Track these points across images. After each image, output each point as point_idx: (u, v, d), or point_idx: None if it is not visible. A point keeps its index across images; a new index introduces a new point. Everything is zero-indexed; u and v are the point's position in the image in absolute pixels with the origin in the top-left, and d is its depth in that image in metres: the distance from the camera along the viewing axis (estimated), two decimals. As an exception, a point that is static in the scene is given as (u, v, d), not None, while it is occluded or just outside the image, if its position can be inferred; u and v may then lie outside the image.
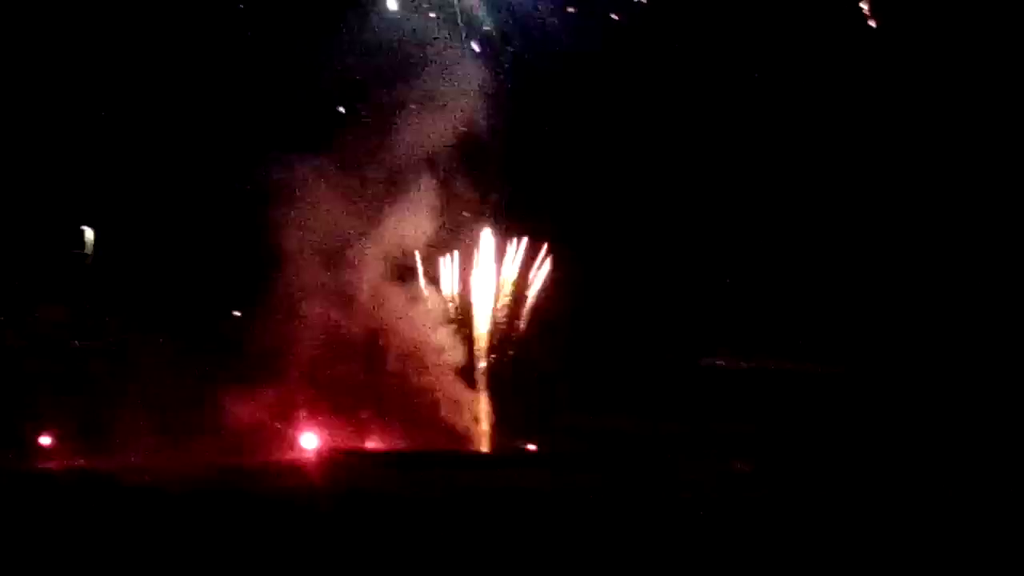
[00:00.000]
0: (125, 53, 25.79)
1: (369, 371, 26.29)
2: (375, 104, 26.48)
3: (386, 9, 26.60)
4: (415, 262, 27.59)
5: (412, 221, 26.76)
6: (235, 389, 25.27)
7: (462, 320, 27.49)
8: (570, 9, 27.47)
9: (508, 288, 27.79)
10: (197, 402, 25.11)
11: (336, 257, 26.41)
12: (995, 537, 16.89)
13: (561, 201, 28.39)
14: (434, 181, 26.73)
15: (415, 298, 27.40)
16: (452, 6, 26.95)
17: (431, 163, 26.84)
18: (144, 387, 25.12)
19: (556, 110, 27.93)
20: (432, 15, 26.87)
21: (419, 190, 26.67)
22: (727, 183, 30.00)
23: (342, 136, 26.41)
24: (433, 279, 27.62)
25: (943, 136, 29.83)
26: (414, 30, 26.64)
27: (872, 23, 28.23)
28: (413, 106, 26.40)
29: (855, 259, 31.26)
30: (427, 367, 26.56)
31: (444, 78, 26.49)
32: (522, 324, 27.81)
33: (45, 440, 22.15)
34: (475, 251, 27.69)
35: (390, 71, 26.24)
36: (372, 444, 24.82)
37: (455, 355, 27.10)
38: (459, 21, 26.86)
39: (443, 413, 26.00)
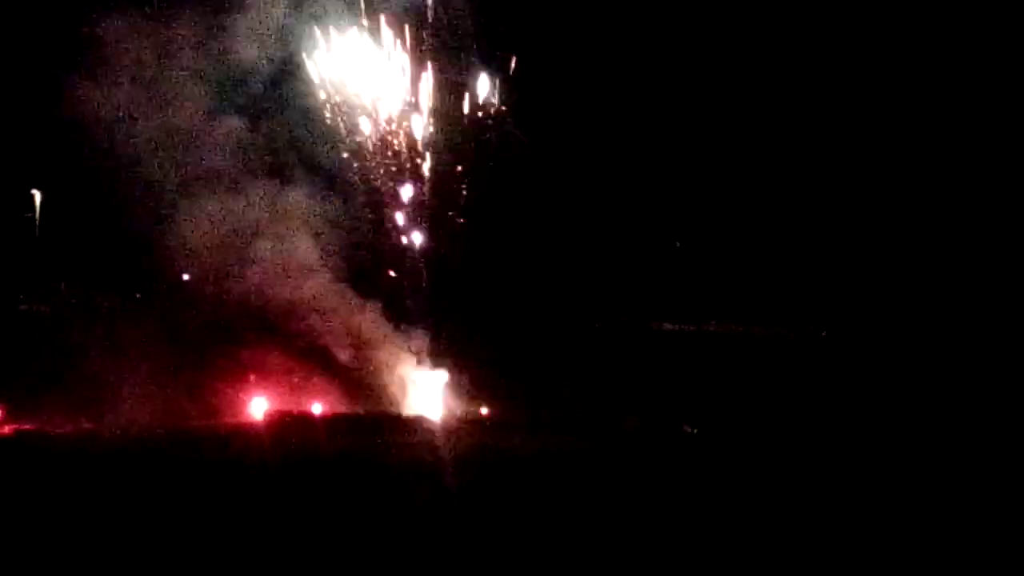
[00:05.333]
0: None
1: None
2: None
3: None
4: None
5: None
6: (184, 353, 25.17)
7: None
8: None
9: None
10: (146, 366, 25.04)
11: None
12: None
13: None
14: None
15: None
16: None
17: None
18: (93, 352, 25.01)
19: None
20: None
21: None
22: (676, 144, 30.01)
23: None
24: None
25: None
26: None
27: None
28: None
29: (808, 224, 31.51)
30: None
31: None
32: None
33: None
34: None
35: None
36: (322, 408, 24.85)
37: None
38: None
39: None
